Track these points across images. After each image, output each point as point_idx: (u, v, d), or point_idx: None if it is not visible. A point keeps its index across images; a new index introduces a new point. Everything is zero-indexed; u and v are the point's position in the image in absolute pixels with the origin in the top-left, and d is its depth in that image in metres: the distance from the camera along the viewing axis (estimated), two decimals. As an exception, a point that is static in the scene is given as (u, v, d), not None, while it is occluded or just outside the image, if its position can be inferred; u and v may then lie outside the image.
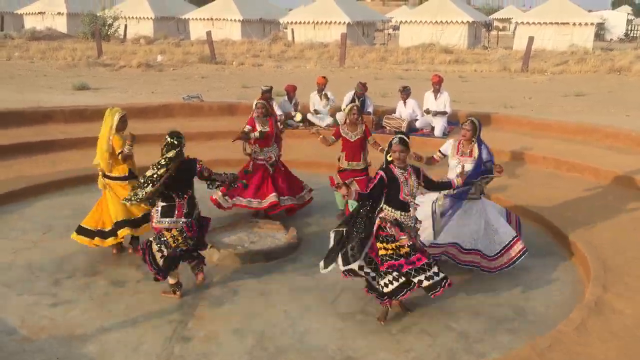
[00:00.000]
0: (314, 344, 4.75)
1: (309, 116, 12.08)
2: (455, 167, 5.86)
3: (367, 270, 5.03)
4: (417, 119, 11.67)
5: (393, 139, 4.96)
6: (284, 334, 4.90)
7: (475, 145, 5.96)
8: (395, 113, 11.94)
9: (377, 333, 4.89)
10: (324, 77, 12.17)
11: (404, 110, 11.76)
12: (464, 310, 5.29)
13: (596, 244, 6.26)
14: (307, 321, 5.09)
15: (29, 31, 36.67)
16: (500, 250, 5.89)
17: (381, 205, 4.99)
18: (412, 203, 4.99)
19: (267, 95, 11.21)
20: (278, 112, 11.79)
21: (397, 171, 4.93)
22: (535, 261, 6.35)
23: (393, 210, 4.95)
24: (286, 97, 12.27)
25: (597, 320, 4.66)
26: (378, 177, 4.92)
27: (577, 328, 4.53)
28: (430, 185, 5.22)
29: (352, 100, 11.70)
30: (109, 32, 36.34)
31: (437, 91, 11.43)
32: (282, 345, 4.72)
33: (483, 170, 5.89)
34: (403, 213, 4.95)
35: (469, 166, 5.85)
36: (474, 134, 5.97)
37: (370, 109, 12.08)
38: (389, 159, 4.98)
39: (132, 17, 41.14)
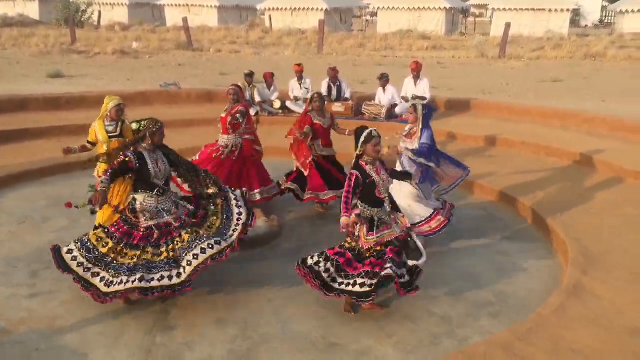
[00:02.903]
0: (297, 332, 4.75)
1: (288, 103, 12.03)
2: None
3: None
4: (396, 105, 11.68)
5: (371, 132, 4.80)
6: (267, 322, 4.88)
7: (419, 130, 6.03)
8: (374, 100, 11.93)
9: (360, 320, 4.90)
10: (299, 65, 12.11)
11: (384, 97, 11.76)
12: (446, 295, 5.32)
13: (575, 228, 6.33)
14: (290, 309, 5.08)
15: (0, 18, 35.87)
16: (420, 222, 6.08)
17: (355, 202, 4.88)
18: (386, 198, 4.94)
19: (248, 79, 11.21)
20: (257, 99, 11.73)
21: (368, 167, 4.83)
22: (514, 246, 6.43)
23: (369, 207, 4.87)
24: (265, 85, 12.20)
25: (576, 304, 4.72)
26: (354, 178, 4.77)
27: (556, 312, 4.58)
28: (395, 175, 5.26)
29: (329, 87, 11.70)
30: (82, 19, 35.70)
31: (416, 77, 11.45)
32: (266, 334, 4.70)
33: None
34: (379, 209, 4.90)
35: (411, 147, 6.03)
36: (417, 117, 6.02)
37: (347, 95, 12.07)
38: (359, 153, 4.85)
39: (106, 3, 40.45)
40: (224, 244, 4.95)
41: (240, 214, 5.31)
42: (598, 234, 6.20)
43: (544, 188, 7.80)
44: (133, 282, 4.69)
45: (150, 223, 4.98)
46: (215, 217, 5.26)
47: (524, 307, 5.13)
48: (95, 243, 4.95)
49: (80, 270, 4.83)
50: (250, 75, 11.25)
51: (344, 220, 4.70)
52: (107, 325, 4.77)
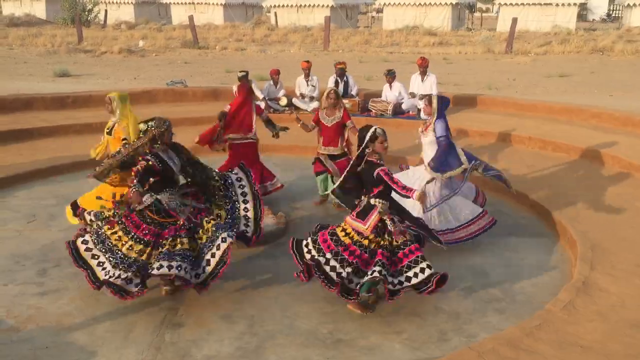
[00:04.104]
0: (304, 328, 4.74)
1: (295, 100, 12.02)
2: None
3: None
4: (403, 102, 11.64)
5: (375, 129, 4.91)
6: (274, 318, 4.88)
7: (433, 121, 6.20)
8: (381, 96, 11.90)
9: (367, 316, 4.88)
10: (307, 61, 12.10)
11: (390, 93, 11.72)
12: (453, 291, 5.30)
13: (583, 223, 6.30)
14: (297, 305, 5.08)
15: (7, 17, 36.10)
16: (463, 224, 6.13)
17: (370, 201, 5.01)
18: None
19: (244, 80, 11.14)
20: (260, 95, 11.71)
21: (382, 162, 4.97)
22: (522, 241, 6.40)
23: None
24: (271, 82, 12.19)
25: (585, 300, 4.69)
26: (385, 171, 4.84)
27: (565, 308, 4.55)
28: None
29: (335, 83, 11.65)
30: (89, 18, 35.83)
31: (423, 73, 11.39)
32: (273, 330, 4.70)
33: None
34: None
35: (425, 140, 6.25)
36: (432, 110, 6.18)
37: (354, 91, 12.04)
38: (371, 151, 4.93)
39: (113, 2, 40.56)
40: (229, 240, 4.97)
41: (246, 209, 5.37)
42: (607, 228, 6.17)
43: (552, 183, 7.76)
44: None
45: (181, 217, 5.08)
46: (218, 209, 5.31)
47: (532, 302, 5.10)
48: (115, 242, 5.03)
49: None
50: (245, 77, 11.10)
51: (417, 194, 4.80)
52: (115, 323, 4.78)
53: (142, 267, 4.87)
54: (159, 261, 4.82)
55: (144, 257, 4.93)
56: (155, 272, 4.77)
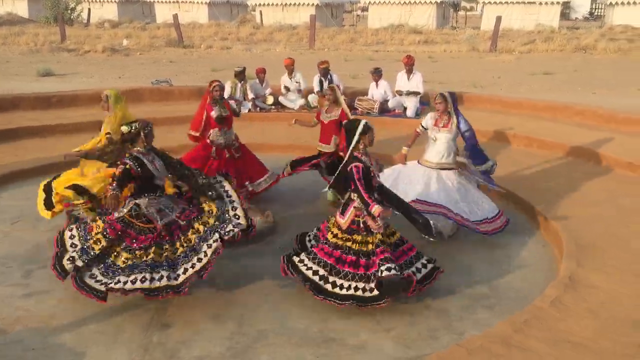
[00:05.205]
0: (295, 327, 4.74)
1: (281, 99, 12.00)
2: (433, 139, 6.40)
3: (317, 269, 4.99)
4: (389, 100, 11.68)
5: (366, 123, 5.00)
6: (264, 318, 4.87)
7: (453, 117, 6.36)
8: (367, 94, 11.92)
9: (358, 314, 4.89)
10: (290, 59, 12.11)
11: (376, 92, 11.75)
12: (442, 288, 5.31)
13: (569, 220, 6.35)
14: (288, 304, 5.08)
15: (-11, 16, 35.68)
16: (483, 219, 6.24)
17: (350, 196, 5.02)
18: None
19: (241, 76, 11.18)
20: (250, 95, 11.70)
21: (364, 158, 4.96)
22: (509, 238, 6.43)
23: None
24: (257, 80, 12.17)
25: (572, 295, 4.73)
26: (357, 169, 4.83)
27: (552, 303, 4.58)
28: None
29: (320, 82, 11.66)
30: (72, 17, 35.51)
31: (409, 72, 11.45)
32: (263, 330, 4.69)
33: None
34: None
35: (443, 136, 6.34)
36: (447, 106, 6.35)
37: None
38: (360, 146, 4.97)
39: (96, 1, 40.21)
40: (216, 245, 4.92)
41: (236, 216, 5.15)
42: (592, 225, 6.23)
43: (537, 180, 7.83)
44: (134, 282, 4.73)
45: (162, 222, 4.97)
46: (209, 215, 5.22)
47: (519, 299, 5.14)
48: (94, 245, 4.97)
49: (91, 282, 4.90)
50: (242, 72, 11.18)
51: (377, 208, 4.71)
52: (103, 324, 4.74)
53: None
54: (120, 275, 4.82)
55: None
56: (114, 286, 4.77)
